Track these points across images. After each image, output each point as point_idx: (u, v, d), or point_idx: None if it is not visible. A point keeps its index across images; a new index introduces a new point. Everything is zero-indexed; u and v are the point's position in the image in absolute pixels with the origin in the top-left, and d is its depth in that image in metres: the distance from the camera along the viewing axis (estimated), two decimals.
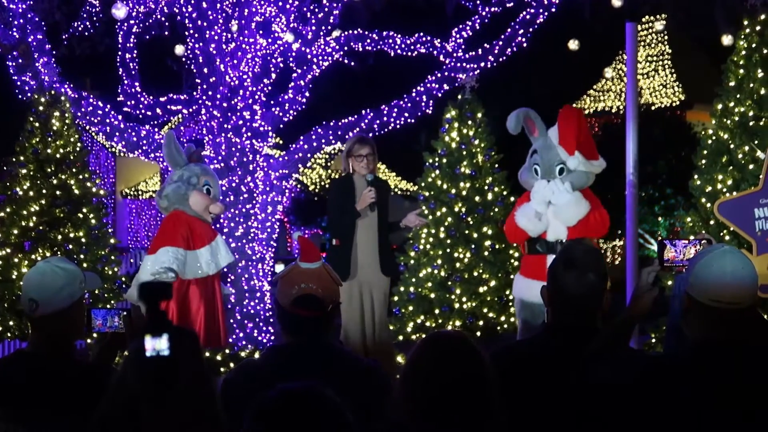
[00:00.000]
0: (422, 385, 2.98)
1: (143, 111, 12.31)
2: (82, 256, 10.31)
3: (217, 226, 10.90)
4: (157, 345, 2.05)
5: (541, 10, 11.89)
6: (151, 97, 12.38)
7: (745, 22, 9.07)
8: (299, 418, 2.37)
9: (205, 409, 2.45)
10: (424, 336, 3.25)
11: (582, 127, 7.44)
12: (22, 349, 4.04)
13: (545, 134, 7.52)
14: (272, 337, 10.82)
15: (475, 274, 11.77)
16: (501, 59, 11.89)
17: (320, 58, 12.08)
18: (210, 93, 11.23)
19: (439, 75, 11.93)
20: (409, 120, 11.86)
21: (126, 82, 12.29)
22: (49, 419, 3.47)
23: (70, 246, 10.30)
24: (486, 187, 12.05)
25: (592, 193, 7.56)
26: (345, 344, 7.65)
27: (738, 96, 8.98)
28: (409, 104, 11.82)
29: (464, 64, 11.90)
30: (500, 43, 11.86)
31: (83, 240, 10.49)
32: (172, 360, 2.05)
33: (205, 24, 11.17)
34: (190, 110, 12.57)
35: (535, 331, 7.16)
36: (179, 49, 12.60)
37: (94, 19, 13.11)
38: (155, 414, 2.16)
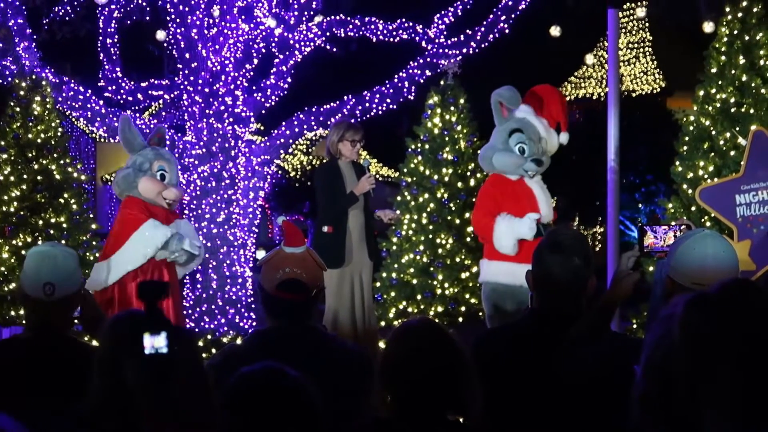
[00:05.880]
0: (397, 381, 2.99)
1: (124, 96, 12.24)
2: (63, 242, 10.26)
3: (199, 212, 10.89)
4: (155, 342, 2.06)
5: None
6: (132, 83, 12.31)
7: (727, 9, 9.10)
8: (258, 399, 2.39)
9: (202, 404, 2.46)
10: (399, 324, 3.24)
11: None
12: (19, 335, 4.00)
13: (514, 113, 7.52)
14: (254, 323, 10.81)
15: (457, 260, 11.79)
16: (483, 45, 11.88)
17: (302, 43, 12.04)
18: (191, 78, 11.19)
19: (421, 61, 11.91)
20: (391, 106, 11.84)
21: (107, 67, 12.23)
22: (57, 403, 3.42)
23: (52, 231, 10.25)
24: (468, 173, 12.08)
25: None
26: (334, 330, 7.67)
27: (720, 82, 9.01)
28: (391, 90, 11.80)
29: (446, 50, 11.89)
30: (482, 29, 11.85)
31: (64, 225, 10.44)
32: (169, 357, 2.06)
33: (186, 9, 11.12)
34: (172, 95, 12.51)
35: (509, 316, 7.16)
36: (160, 34, 12.54)
37: (75, 3, 13.02)
38: (153, 409, 2.17)
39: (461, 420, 2.98)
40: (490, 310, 7.39)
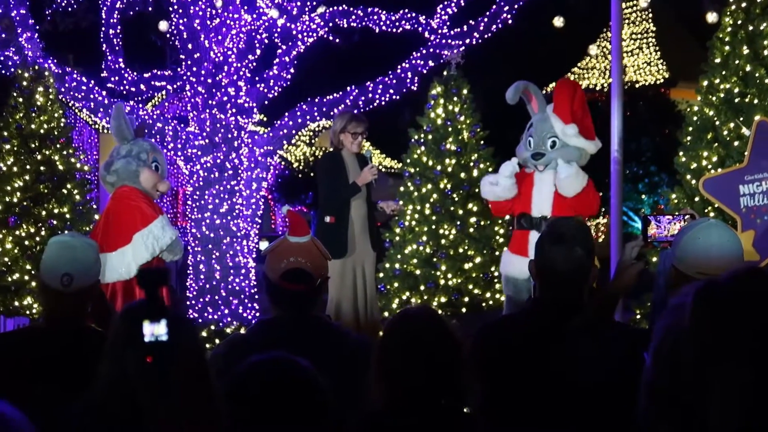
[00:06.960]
0: (395, 370, 2.99)
1: (127, 87, 12.23)
2: (66, 232, 10.26)
3: (202, 202, 10.90)
4: (155, 330, 2.05)
5: None
6: (135, 73, 12.30)
7: None
8: (269, 388, 2.38)
9: (203, 392, 2.46)
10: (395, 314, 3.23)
11: (578, 100, 7.48)
12: (34, 324, 4.01)
13: (544, 109, 7.57)
14: (257, 314, 10.82)
15: (461, 250, 11.78)
16: (486, 36, 11.86)
17: (305, 34, 12.03)
18: (194, 69, 11.18)
19: (424, 51, 11.89)
20: (394, 96, 11.83)
21: (110, 57, 12.22)
22: (69, 392, 3.42)
23: (55, 222, 10.26)
24: (471, 164, 12.05)
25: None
26: (336, 320, 7.67)
27: (723, 73, 9.00)
28: (394, 81, 11.78)
29: (449, 41, 11.87)
30: (485, 19, 11.83)
31: (67, 216, 10.44)
32: (169, 345, 2.05)
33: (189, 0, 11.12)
34: (175, 86, 12.50)
35: (520, 306, 7.20)
36: (163, 25, 12.51)
37: None
38: (154, 397, 2.17)
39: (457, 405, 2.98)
40: (508, 301, 7.59)
